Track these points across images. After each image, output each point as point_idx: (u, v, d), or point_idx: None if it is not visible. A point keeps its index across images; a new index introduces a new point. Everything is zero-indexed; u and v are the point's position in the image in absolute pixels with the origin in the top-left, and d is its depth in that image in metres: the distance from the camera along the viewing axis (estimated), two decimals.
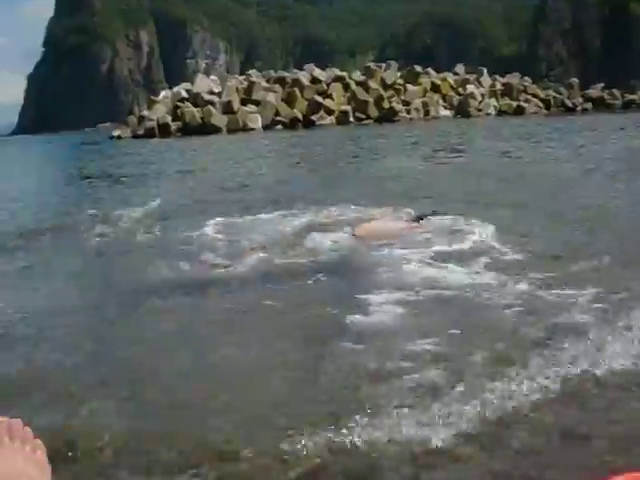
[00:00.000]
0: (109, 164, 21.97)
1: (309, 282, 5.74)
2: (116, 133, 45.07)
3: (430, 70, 55.74)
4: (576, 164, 13.68)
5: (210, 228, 8.48)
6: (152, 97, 49.45)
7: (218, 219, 8.92)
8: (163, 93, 49.06)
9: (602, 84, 68.27)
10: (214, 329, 4.96)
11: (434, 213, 7.15)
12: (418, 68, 53.47)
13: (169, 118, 42.43)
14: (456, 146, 19.63)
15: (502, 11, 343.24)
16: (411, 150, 18.84)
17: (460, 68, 58.39)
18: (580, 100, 61.49)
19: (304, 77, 47.95)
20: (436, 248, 6.39)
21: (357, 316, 4.70)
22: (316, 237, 7.18)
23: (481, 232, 6.93)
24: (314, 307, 5.08)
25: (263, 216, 8.99)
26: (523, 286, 5.19)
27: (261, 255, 6.70)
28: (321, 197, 10.16)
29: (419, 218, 6.67)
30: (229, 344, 4.53)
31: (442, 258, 6.00)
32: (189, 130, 40.77)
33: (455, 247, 6.45)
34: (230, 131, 40.94)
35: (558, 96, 60.96)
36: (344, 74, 49.72)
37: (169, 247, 7.73)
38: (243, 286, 5.83)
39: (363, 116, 46.42)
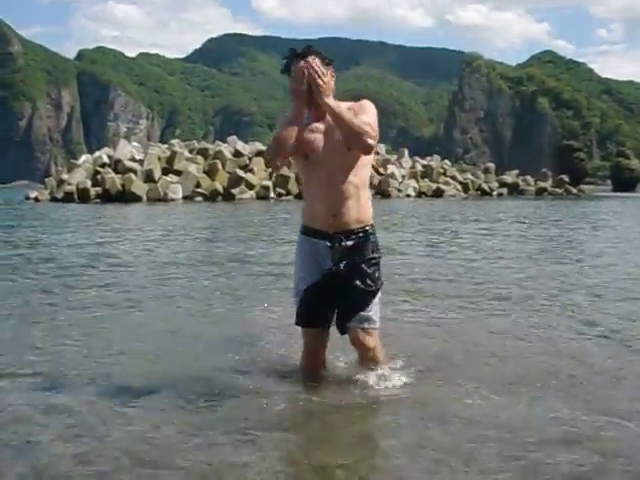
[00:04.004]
0: None
1: None
2: (33, 195, 44.44)
3: None
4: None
5: None
6: (72, 161, 49.09)
7: None
8: (84, 157, 48.70)
9: (517, 170, 71.38)
10: None
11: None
12: None
13: (89, 183, 41.98)
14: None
15: (424, 95, 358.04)
16: None
17: (381, 148, 59.43)
18: (496, 185, 63.66)
19: (226, 150, 48.30)
20: None
21: None
22: None
23: None
24: None
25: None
26: None
27: None
28: None
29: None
30: None
31: None
32: (109, 197, 40.50)
33: None
34: (150, 200, 40.86)
35: (476, 180, 62.81)
36: None
37: None
38: None
39: (283, 192, 46.73)
